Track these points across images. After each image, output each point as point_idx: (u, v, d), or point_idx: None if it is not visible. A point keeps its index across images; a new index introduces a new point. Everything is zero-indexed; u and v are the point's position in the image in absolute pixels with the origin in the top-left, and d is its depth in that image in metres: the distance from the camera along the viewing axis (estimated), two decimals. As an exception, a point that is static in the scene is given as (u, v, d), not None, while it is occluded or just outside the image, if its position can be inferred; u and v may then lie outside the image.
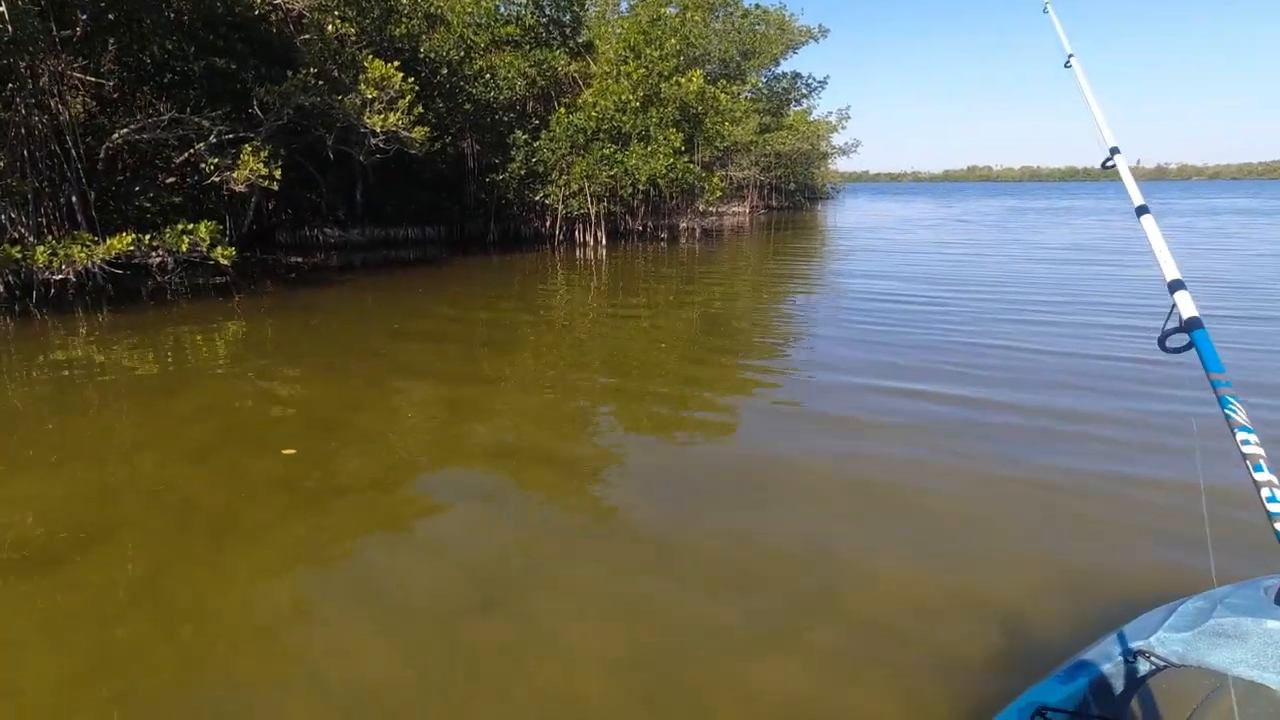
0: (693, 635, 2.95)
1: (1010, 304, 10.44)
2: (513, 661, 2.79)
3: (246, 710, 2.55)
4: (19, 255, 9.73)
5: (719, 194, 24.92)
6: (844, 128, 46.26)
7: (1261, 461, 1.36)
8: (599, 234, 21.04)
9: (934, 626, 3.00)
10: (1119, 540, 3.70)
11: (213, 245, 11.01)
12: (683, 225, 25.10)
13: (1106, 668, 2.09)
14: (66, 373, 7.00)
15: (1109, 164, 2.17)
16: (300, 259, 15.94)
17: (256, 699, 2.61)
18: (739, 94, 30.40)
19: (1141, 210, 1.91)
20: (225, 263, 11.11)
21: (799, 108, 42.46)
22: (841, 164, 66.42)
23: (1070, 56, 2.51)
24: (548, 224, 21.47)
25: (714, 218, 29.73)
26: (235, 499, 4.24)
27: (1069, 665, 2.15)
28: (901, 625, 3.01)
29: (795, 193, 52.81)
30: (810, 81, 41.99)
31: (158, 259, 10.92)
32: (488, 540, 3.79)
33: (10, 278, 10.36)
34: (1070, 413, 5.52)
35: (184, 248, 10.87)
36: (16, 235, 10.66)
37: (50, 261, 9.91)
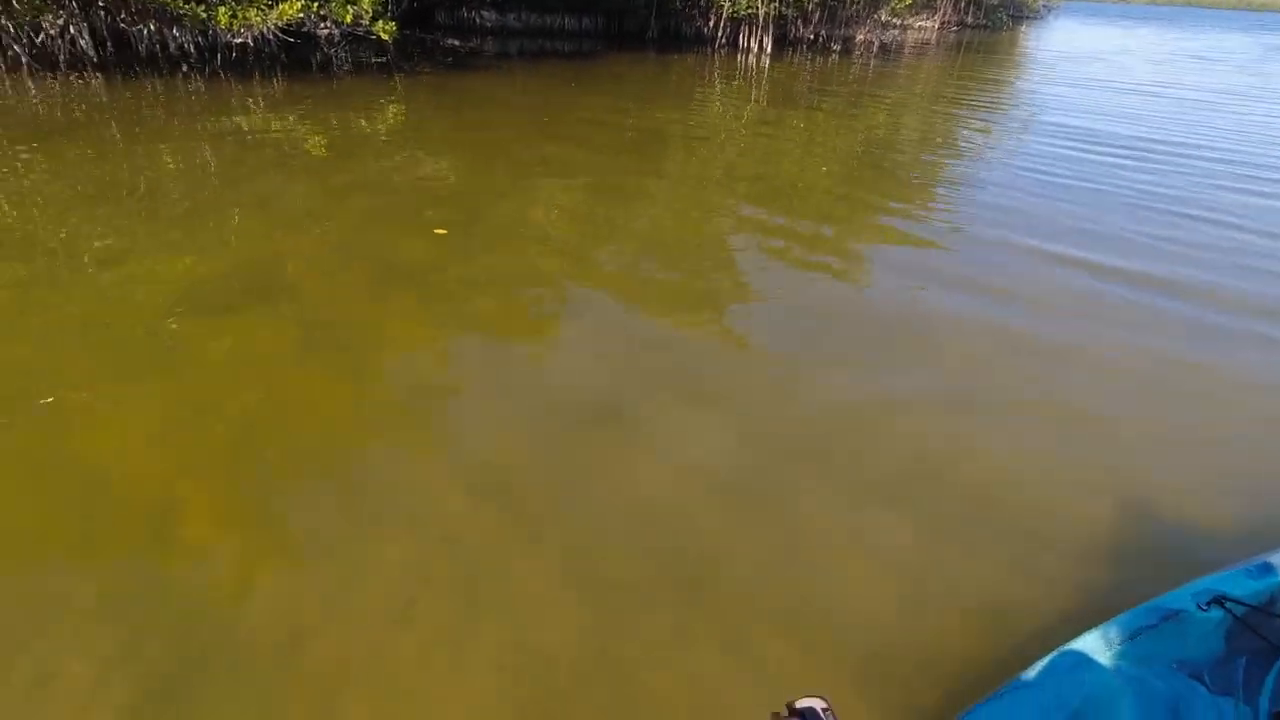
0: (800, 474, 2.91)
1: (1245, 175, 8.70)
2: (625, 468, 2.88)
3: (391, 467, 2.81)
4: (204, 15, 10.13)
5: (908, 3, 21.86)
6: (1077, -72, 38.18)
7: None
8: (764, 40, 19.22)
9: (1076, 512, 2.80)
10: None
11: (375, 19, 11.04)
12: (859, 38, 22.48)
13: None
14: (248, 135, 7.44)
15: None
16: (457, 42, 15.70)
17: (399, 461, 2.86)
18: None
19: None
20: (386, 38, 11.14)
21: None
22: (1062, -25, 55.83)
23: None
24: (710, 24, 19.80)
25: (896, 31, 26.40)
26: (387, 270, 4.47)
27: (1259, 561, 1.93)
28: (1033, 500, 2.83)
29: (996, 9, 45.35)
30: None
31: (325, 30, 11.09)
32: (612, 349, 3.83)
33: (199, 38, 10.90)
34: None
35: (348, 19, 10.96)
36: (201, -5, 11.04)
37: (230, 24, 10.27)
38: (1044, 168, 8.23)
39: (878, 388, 3.54)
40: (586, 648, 2.08)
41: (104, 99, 8.45)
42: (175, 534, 2.38)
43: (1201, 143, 10.37)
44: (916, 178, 7.84)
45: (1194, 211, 6.71)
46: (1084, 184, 7.54)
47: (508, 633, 2.11)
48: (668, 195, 6.54)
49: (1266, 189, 7.82)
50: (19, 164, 5.92)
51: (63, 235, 4.61)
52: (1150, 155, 9.22)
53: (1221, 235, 6.09)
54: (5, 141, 6.42)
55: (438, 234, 5.06)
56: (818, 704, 1.07)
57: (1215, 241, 5.91)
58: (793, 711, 1.07)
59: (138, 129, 7.38)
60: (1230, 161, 9.10)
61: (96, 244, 4.52)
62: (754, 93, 13.10)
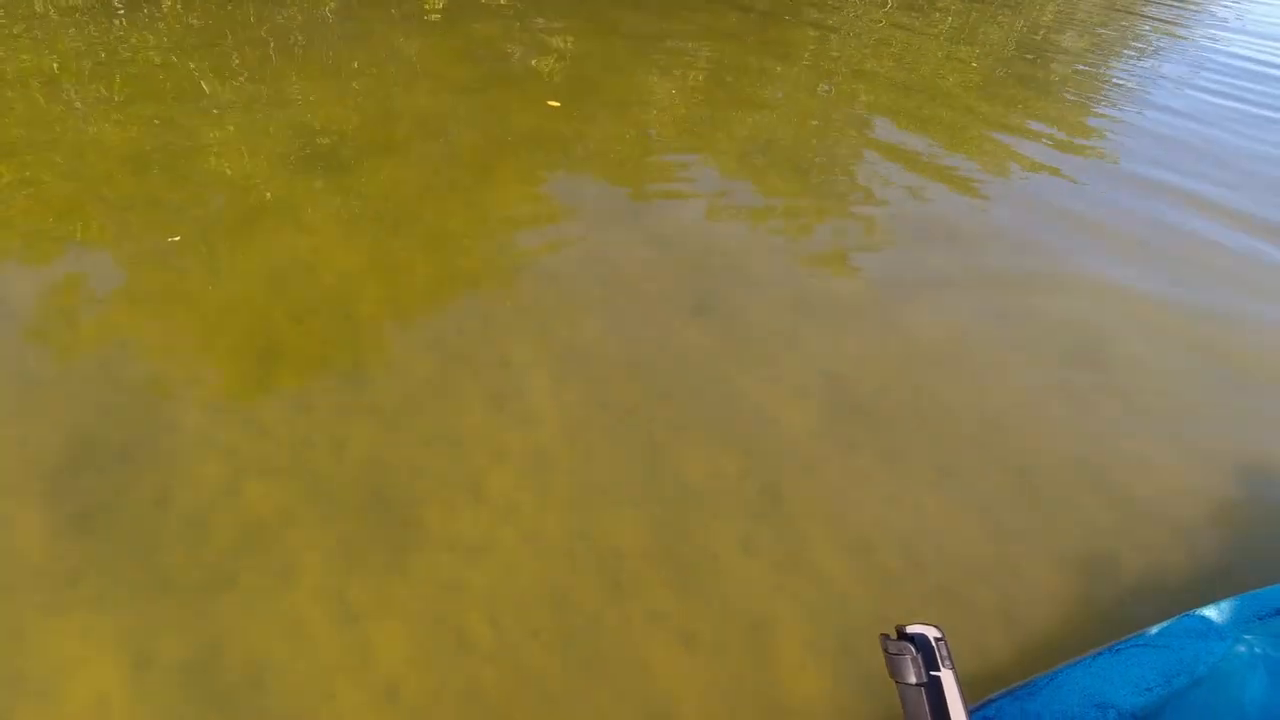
0: (901, 396, 2.75)
1: None
2: (716, 369, 2.79)
3: (481, 336, 2.82)
4: None
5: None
6: None
7: None
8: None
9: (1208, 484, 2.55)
10: None
11: None
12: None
13: None
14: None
15: None
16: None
17: (490, 329, 2.87)
18: None
19: None
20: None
21: None
22: None
23: None
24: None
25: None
26: (496, 139, 4.39)
27: None
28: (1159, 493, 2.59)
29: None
30: None
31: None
32: (716, 243, 3.65)
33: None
34: None
35: None
36: None
37: None
38: (1223, 93, 7.10)
39: (991, 324, 3.27)
40: (656, 542, 2.08)
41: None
42: (273, 376, 2.50)
43: None
44: (1070, 94, 6.94)
45: None
46: (1272, 119, 6.51)
47: (575, 521, 2.13)
48: (789, 87, 6.08)
49: None
50: (162, 4, 6.07)
51: (195, 81, 4.73)
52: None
53: None
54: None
55: (551, 105, 4.90)
56: (931, 632, 1.03)
57: None
58: (902, 635, 1.03)
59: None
60: None
61: (225, 94, 4.61)
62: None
